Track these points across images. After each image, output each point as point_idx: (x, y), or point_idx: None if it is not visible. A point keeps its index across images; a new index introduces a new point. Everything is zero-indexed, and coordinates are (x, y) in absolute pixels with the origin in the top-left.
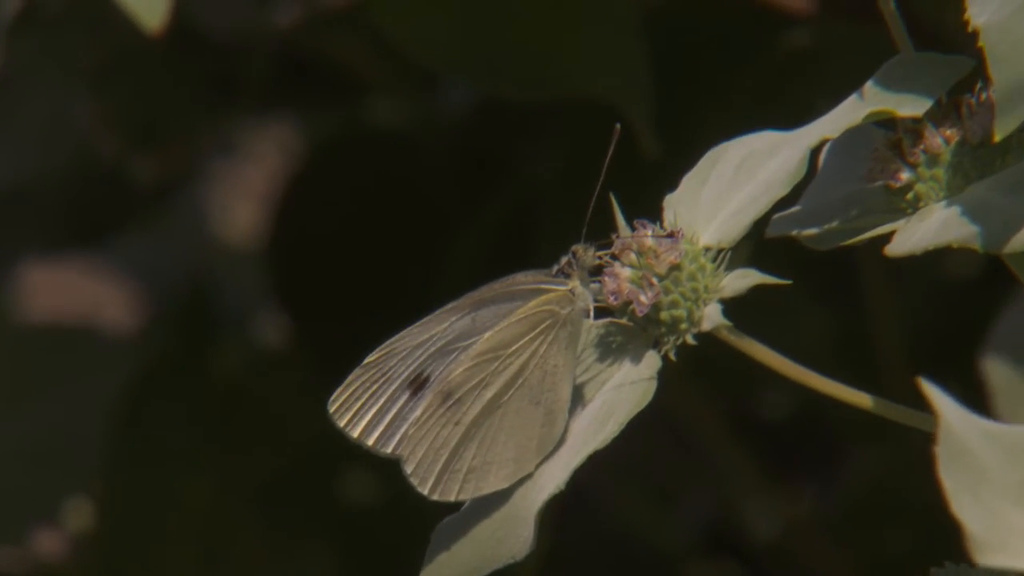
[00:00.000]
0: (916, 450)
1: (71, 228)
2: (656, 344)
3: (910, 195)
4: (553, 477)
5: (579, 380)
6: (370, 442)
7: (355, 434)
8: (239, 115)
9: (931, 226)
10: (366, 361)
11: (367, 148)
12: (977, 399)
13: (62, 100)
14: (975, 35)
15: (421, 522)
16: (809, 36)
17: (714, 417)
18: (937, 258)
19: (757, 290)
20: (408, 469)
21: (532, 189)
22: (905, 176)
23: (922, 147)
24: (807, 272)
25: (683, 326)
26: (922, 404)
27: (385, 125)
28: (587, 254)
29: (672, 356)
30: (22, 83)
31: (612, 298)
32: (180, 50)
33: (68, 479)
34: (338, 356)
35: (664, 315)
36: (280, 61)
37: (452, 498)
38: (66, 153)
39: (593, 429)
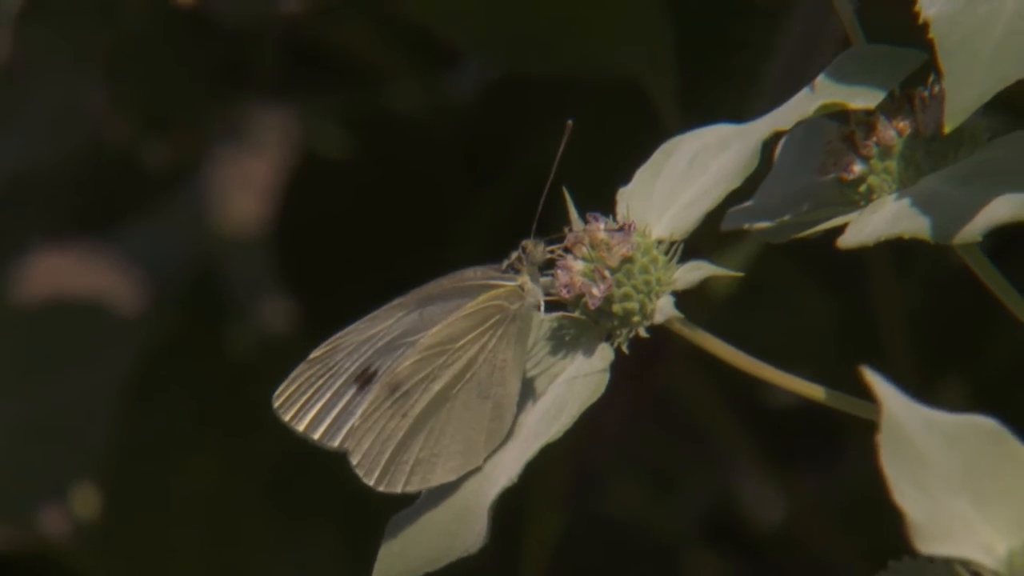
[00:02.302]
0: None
1: (81, 214)
2: (609, 337)
3: (863, 187)
4: (506, 470)
5: (532, 373)
6: (316, 436)
7: (300, 428)
8: (248, 102)
9: (883, 218)
10: (311, 356)
11: (374, 133)
12: (979, 386)
13: (73, 87)
14: (925, 27)
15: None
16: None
17: (716, 404)
18: (939, 247)
19: (760, 280)
20: (354, 461)
21: (544, 171)
22: (858, 168)
23: (875, 139)
24: (810, 262)
25: (635, 319)
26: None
27: (392, 111)
28: (537, 249)
29: (625, 349)
30: (33, 70)
31: (565, 291)
32: (190, 37)
33: (75, 460)
34: None
35: (616, 308)
36: (288, 48)
37: (399, 489)
38: (76, 140)
39: (546, 422)
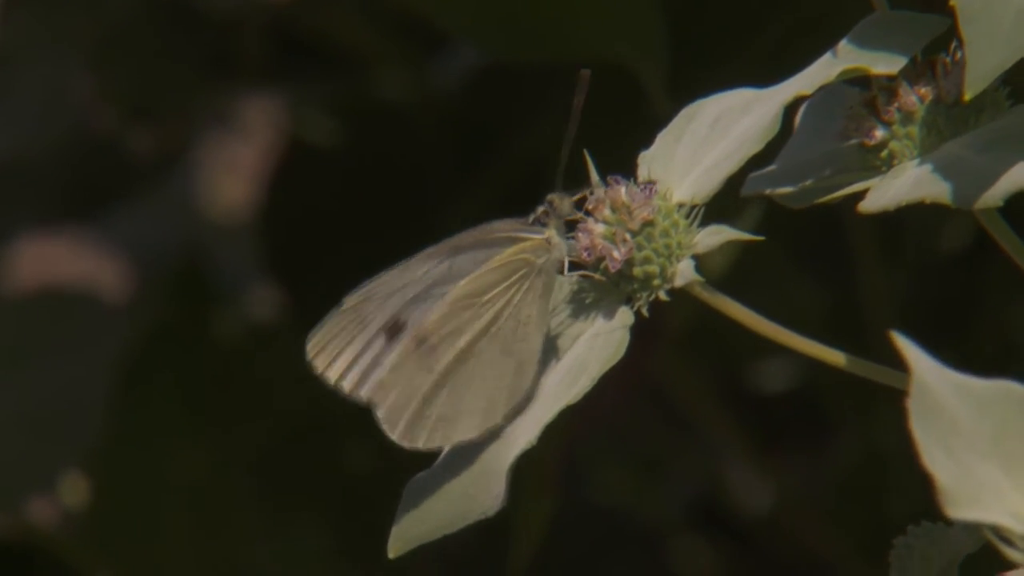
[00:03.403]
0: (906, 420)
1: (68, 201)
2: (629, 300)
3: (884, 153)
4: (525, 432)
5: (551, 335)
6: (345, 386)
7: (331, 377)
8: (234, 89)
9: (905, 183)
10: (344, 305)
11: (361, 120)
12: (969, 368)
13: (60, 74)
14: None
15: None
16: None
17: (705, 392)
18: (927, 230)
19: (747, 261)
20: (380, 414)
21: (531, 159)
22: (879, 134)
23: (896, 105)
24: (797, 243)
25: (656, 282)
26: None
27: (380, 98)
28: (563, 203)
29: (644, 312)
30: (20, 57)
31: (585, 254)
32: (177, 25)
33: (64, 448)
34: None
35: (637, 271)
36: (276, 35)
37: (420, 445)
38: (64, 127)
39: (566, 384)
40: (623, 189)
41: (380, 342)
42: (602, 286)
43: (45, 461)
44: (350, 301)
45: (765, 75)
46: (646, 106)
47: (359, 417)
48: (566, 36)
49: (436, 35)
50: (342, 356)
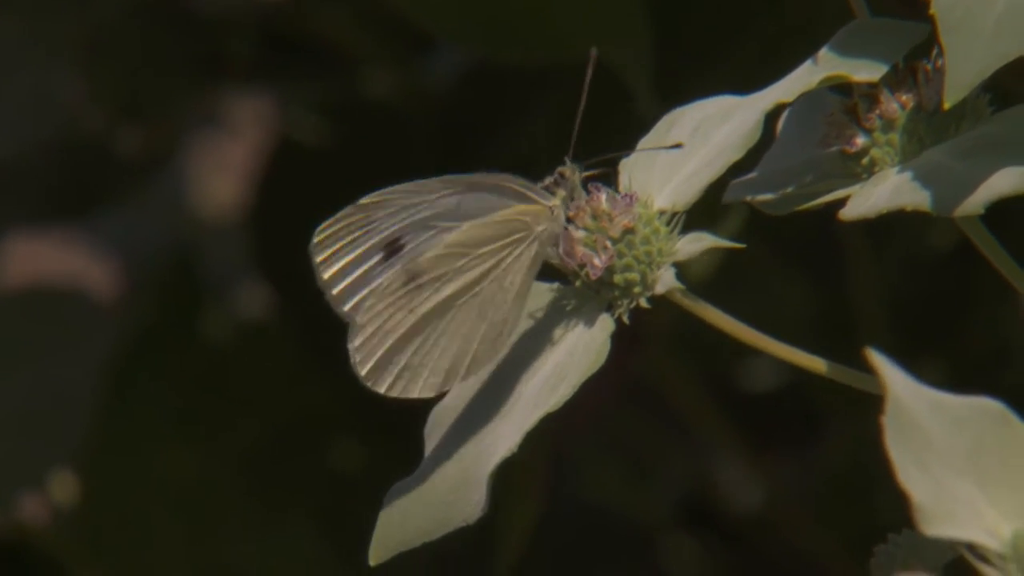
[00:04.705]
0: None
1: (57, 201)
2: (609, 308)
3: (865, 160)
4: (506, 440)
5: (532, 343)
6: (333, 291)
7: (324, 275)
8: (223, 89)
9: (885, 190)
10: (361, 201)
11: (350, 120)
12: (958, 369)
13: (49, 74)
14: (927, 2)
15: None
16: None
17: (694, 390)
18: (917, 231)
19: (738, 263)
20: (355, 342)
21: (519, 158)
22: (861, 141)
23: (878, 112)
24: (788, 242)
25: (637, 289)
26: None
27: (369, 97)
28: (574, 176)
29: (626, 319)
30: (9, 57)
31: (567, 261)
32: (166, 24)
33: (54, 448)
34: (321, 328)
35: (618, 278)
36: (266, 34)
37: (381, 389)
38: (53, 126)
39: (546, 392)
40: (604, 196)
41: (377, 257)
42: (583, 293)
43: (35, 460)
44: (367, 199)
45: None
46: (635, 106)
47: (348, 416)
48: (552, 37)
49: (425, 35)
50: (340, 258)
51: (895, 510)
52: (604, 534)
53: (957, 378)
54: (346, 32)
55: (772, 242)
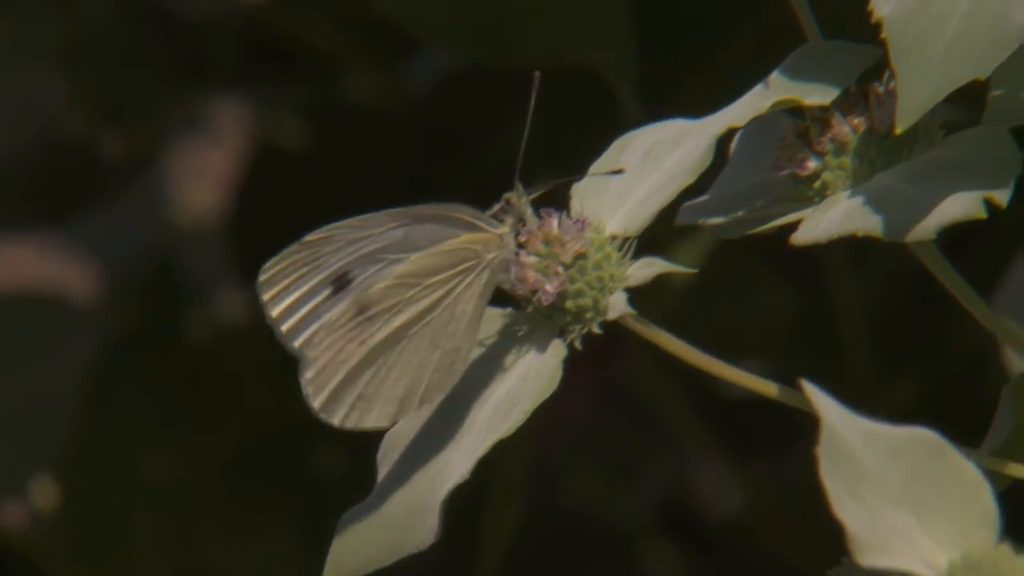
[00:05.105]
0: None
1: (37, 205)
2: (562, 333)
3: (817, 184)
4: (458, 466)
5: (484, 369)
6: (283, 328)
7: (273, 313)
8: (204, 94)
9: (837, 215)
10: (306, 238)
11: (332, 124)
12: (937, 378)
13: (30, 78)
14: (879, 26)
15: None
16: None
17: (673, 396)
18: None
19: (717, 274)
20: (307, 375)
21: (502, 163)
22: (812, 165)
23: (830, 136)
24: (768, 256)
25: (589, 315)
26: (886, 383)
27: (351, 102)
28: (520, 202)
29: (578, 345)
30: None
31: (518, 286)
32: (147, 29)
33: (35, 452)
34: None
35: (570, 304)
36: (248, 39)
37: (335, 421)
38: (33, 130)
39: (498, 417)
40: (556, 222)
41: (325, 292)
42: (535, 319)
43: (16, 465)
44: (312, 236)
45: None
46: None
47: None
48: (536, 41)
49: (408, 39)
50: (288, 294)
51: None
52: (584, 540)
53: (935, 389)
54: (327, 37)
55: (752, 252)
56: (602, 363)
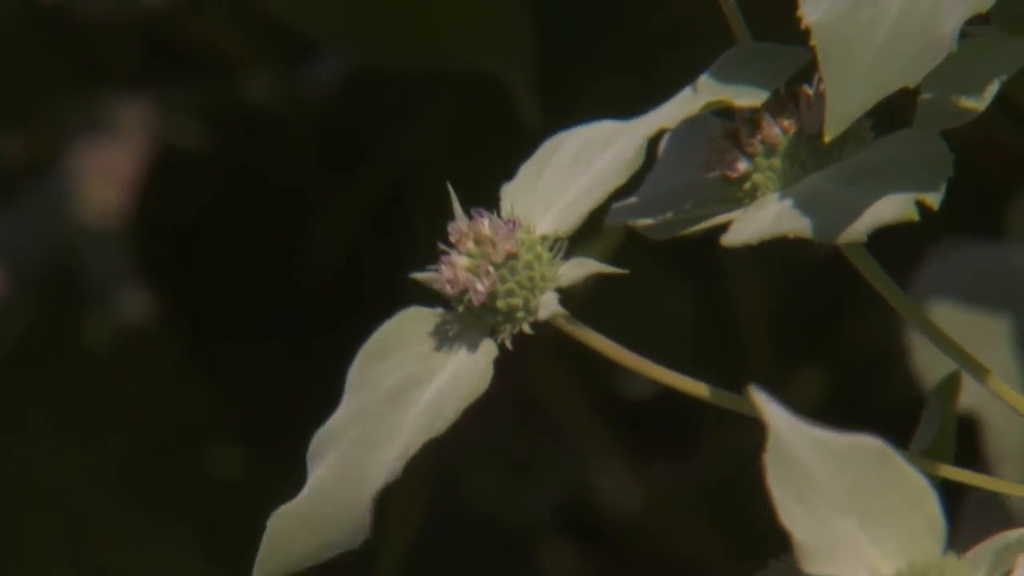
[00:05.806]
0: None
1: None
2: (492, 333)
3: (747, 185)
4: (389, 464)
5: (416, 368)
6: None
7: None
8: (105, 95)
9: (767, 216)
10: None
11: (231, 125)
12: (838, 375)
13: None
14: (808, 32)
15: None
16: (689, 11)
17: (572, 395)
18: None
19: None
20: None
21: (402, 163)
22: (742, 166)
23: (760, 137)
24: (668, 255)
25: (519, 315)
26: (787, 379)
27: (250, 102)
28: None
29: (508, 344)
30: None
31: (448, 287)
32: (47, 30)
33: None
34: (203, 336)
35: (500, 304)
36: (148, 40)
37: None
38: None
39: (429, 417)
40: (486, 222)
41: None
42: (466, 319)
43: None
44: None
45: (635, 83)
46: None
47: (228, 423)
48: (432, 44)
49: (307, 40)
50: None
51: (774, 517)
52: (484, 541)
53: (835, 386)
54: (228, 37)
55: (652, 251)
56: (503, 364)
